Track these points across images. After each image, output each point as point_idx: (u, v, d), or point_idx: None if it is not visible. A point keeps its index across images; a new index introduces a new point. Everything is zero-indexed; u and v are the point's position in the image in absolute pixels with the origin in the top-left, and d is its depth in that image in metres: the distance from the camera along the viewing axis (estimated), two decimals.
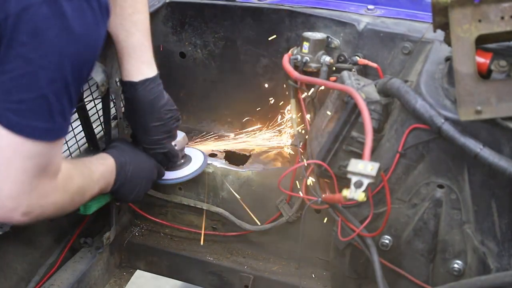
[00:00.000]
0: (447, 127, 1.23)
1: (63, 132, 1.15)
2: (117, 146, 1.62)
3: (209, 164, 1.87)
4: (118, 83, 1.66)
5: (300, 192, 1.70)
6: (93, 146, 1.88)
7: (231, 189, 1.84)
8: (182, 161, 1.81)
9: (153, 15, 1.89)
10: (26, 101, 1.06)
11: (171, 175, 1.79)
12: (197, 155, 1.87)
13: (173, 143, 1.73)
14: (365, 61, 1.63)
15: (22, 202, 1.16)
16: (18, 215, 1.17)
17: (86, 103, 1.71)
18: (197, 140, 2.03)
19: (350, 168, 1.15)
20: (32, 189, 1.16)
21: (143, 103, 1.57)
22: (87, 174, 1.42)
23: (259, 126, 2.01)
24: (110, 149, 1.60)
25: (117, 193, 1.57)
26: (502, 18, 1.14)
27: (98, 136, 1.79)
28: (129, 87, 1.56)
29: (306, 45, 1.66)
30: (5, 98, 1.06)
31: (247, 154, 1.96)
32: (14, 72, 1.04)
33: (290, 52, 1.72)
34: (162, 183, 1.80)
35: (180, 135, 1.78)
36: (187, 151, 1.85)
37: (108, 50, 1.63)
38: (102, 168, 1.49)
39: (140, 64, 1.55)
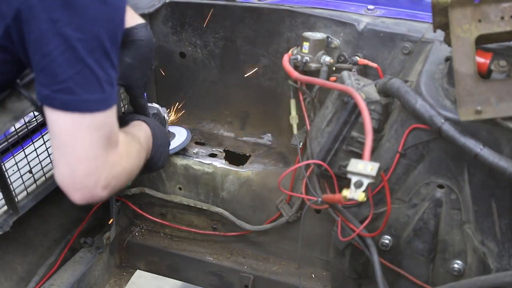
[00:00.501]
0: (447, 127, 1.23)
1: (114, 99, 1.15)
2: (141, 116, 1.62)
3: (209, 164, 1.87)
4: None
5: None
6: None
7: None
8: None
9: (153, 15, 1.89)
10: (73, 77, 1.06)
11: None
12: (181, 132, 1.93)
13: (164, 114, 1.79)
14: (365, 61, 1.63)
15: (100, 176, 1.16)
16: (100, 190, 1.17)
17: None
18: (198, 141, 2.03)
19: (350, 168, 1.15)
20: (104, 161, 1.16)
21: (149, 44, 1.55)
22: (137, 141, 1.43)
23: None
24: (136, 115, 1.60)
25: (151, 160, 1.56)
26: (502, 18, 1.14)
27: None
28: (134, 33, 1.53)
29: (306, 45, 1.66)
30: (52, 81, 1.06)
31: (247, 154, 1.96)
32: (54, 52, 1.04)
33: (290, 52, 1.72)
34: None
35: (164, 109, 1.83)
36: (171, 128, 1.91)
37: None
38: (143, 134, 1.51)
39: (133, 13, 1.55)
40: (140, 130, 1.52)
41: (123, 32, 1.17)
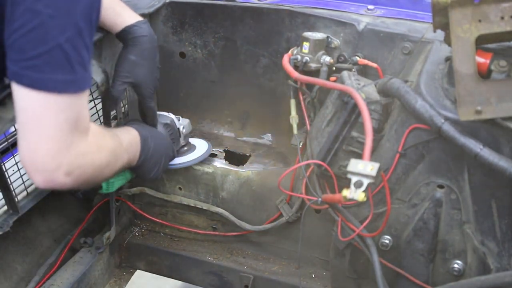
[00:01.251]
0: (447, 127, 1.23)
1: (86, 83, 1.12)
2: (136, 122, 1.61)
3: (209, 164, 1.88)
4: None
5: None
6: None
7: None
8: (186, 148, 1.86)
9: (153, 15, 1.90)
10: (42, 55, 1.04)
11: (177, 161, 1.82)
12: (201, 144, 1.92)
13: (180, 126, 1.79)
14: (365, 61, 1.63)
15: (62, 160, 1.12)
16: (61, 175, 1.14)
17: None
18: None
19: (350, 168, 1.15)
20: (68, 145, 1.12)
21: (151, 40, 1.56)
22: (116, 139, 1.40)
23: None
24: (131, 123, 1.59)
25: (140, 168, 1.55)
26: (502, 18, 1.14)
27: None
28: (135, 30, 1.53)
29: (306, 45, 1.66)
30: (20, 57, 1.04)
31: (247, 154, 1.96)
32: (24, 27, 1.02)
33: (290, 52, 1.73)
34: (172, 167, 1.81)
35: (185, 120, 1.84)
36: (192, 140, 1.91)
37: (108, 50, 1.63)
38: (129, 137, 1.48)
39: (131, 12, 1.55)
40: (126, 133, 1.49)
41: (99, 14, 1.13)
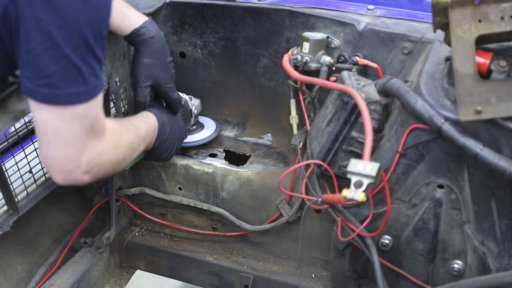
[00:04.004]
0: (447, 127, 1.23)
1: (98, 89, 1.18)
2: (155, 106, 1.66)
3: (209, 164, 1.88)
4: (118, 83, 1.66)
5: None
6: None
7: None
8: (195, 127, 1.94)
9: (153, 15, 1.89)
10: (56, 73, 1.09)
11: (188, 139, 1.90)
12: (209, 123, 2.00)
13: (192, 107, 1.86)
14: (365, 61, 1.63)
15: (80, 162, 1.21)
16: (80, 174, 1.22)
17: None
18: None
19: (350, 168, 1.15)
20: (85, 148, 1.20)
21: (160, 38, 1.60)
22: (133, 131, 1.47)
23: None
24: (150, 108, 1.64)
25: (154, 151, 1.62)
26: (502, 18, 1.14)
27: None
28: (143, 32, 1.56)
29: (306, 45, 1.66)
30: (35, 75, 1.09)
31: (247, 154, 1.96)
32: (38, 48, 1.07)
33: (290, 52, 1.72)
34: (184, 145, 1.87)
35: (197, 100, 1.91)
36: (200, 119, 1.98)
37: (108, 50, 1.63)
38: (146, 125, 1.54)
39: (135, 12, 1.59)
40: (145, 122, 1.56)
41: (108, 25, 1.19)
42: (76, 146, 1.18)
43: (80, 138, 1.18)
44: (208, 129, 1.97)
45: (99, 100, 1.19)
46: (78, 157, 1.20)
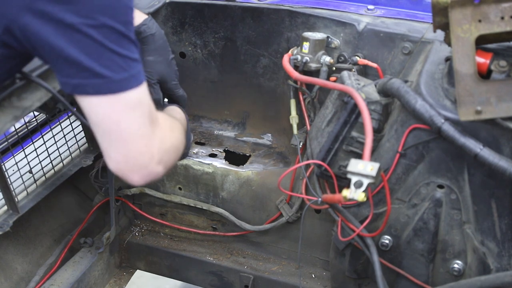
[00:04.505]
0: (447, 127, 1.23)
1: (142, 75, 1.14)
2: (173, 104, 1.63)
3: (209, 164, 1.88)
4: None
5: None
6: (93, 146, 1.89)
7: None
8: None
9: (153, 15, 1.89)
10: (97, 61, 1.05)
11: None
12: None
13: None
14: (365, 61, 1.63)
15: (152, 152, 1.15)
16: (155, 165, 1.16)
17: None
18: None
19: (350, 168, 1.15)
20: (151, 137, 1.15)
21: (161, 35, 1.58)
22: (174, 118, 1.43)
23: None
24: (171, 103, 1.61)
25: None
26: (502, 18, 1.14)
27: None
28: (144, 30, 1.55)
29: (306, 45, 1.66)
30: (77, 69, 1.05)
31: (247, 154, 1.96)
32: (70, 43, 1.04)
33: (290, 52, 1.72)
34: None
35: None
36: None
37: None
38: (179, 116, 1.52)
39: (136, 10, 1.56)
40: (176, 112, 1.53)
41: (133, 9, 1.15)
42: (143, 136, 1.13)
43: (144, 126, 1.13)
44: None
45: (145, 85, 1.15)
46: (149, 147, 1.14)
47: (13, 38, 1.06)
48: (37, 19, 1.03)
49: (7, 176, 1.56)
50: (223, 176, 1.86)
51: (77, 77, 1.06)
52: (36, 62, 1.24)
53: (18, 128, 1.68)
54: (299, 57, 1.68)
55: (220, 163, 1.88)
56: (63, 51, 1.04)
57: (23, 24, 1.03)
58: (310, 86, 1.71)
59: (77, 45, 1.04)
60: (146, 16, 1.58)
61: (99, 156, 1.85)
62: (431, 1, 1.20)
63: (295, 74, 1.63)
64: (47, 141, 1.74)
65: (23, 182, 1.66)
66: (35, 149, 1.69)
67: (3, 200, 1.60)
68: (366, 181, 1.13)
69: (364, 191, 1.13)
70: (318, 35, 1.67)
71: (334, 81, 1.61)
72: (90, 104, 1.09)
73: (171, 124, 1.32)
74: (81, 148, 1.87)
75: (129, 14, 1.13)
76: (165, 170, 1.21)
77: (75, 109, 1.27)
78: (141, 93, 1.13)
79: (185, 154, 1.62)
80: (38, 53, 1.09)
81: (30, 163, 1.68)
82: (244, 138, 2.03)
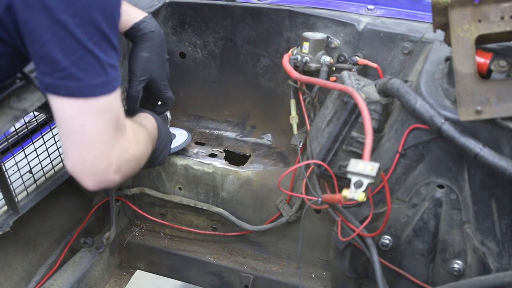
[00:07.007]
0: (447, 127, 1.23)
1: (118, 81, 1.14)
2: (146, 110, 1.63)
3: (209, 164, 1.88)
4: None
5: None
6: None
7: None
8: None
9: (153, 15, 1.89)
10: (75, 63, 1.05)
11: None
12: (181, 133, 1.95)
13: (167, 112, 1.82)
14: (365, 61, 1.63)
15: (110, 159, 1.15)
16: (112, 173, 1.17)
17: None
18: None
19: (350, 168, 1.15)
20: (113, 145, 1.15)
21: (160, 34, 1.58)
22: (143, 128, 1.44)
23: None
24: (145, 110, 1.61)
25: (154, 153, 1.55)
26: (502, 18, 1.14)
27: None
28: (144, 27, 1.55)
29: (306, 45, 1.66)
30: (54, 69, 1.05)
31: (247, 154, 1.96)
32: (52, 40, 1.03)
33: (290, 52, 1.72)
34: None
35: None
36: (171, 129, 1.91)
37: None
38: (149, 124, 1.51)
39: (135, 8, 1.57)
40: (147, 121, 1.52)
41: (120, 13, 1.15)
42: (104, 142, 1.13)
43: (108, 133, 1.14)
44: (180, 137, 1.92)
45: (119, 93, 1.15)
46: (108, 154, 1.15)
47: (4, 29, 1.06)
48: (29, 9, 1.02)
49: (7, 176, 1.56)
50: (223, 176, 1.86)
51: (51, 76, 1.06)
52: None
53: (18, 128, 1.68)
54: (299, 57, 1.68)
55: (220, 163, 1.88)
56: (44, 46, 1.04)
57: (16, 8, 1.02)
58: (310, 86, 1.72)
59: (59, 43, 1.04)
60: (146, 14, 1.58)
61: None
62: (431, 1, 1.20)
63: (295, 74, 1.63)
64: (47, 141, 1.74)
65: (23, 182, 1.66)
66: (35, 149, 1.69)
67: (3, 200, 1.60)
68: (366, 181, 1.13)
69: (364, 191, 1.13)
70: (318, 35, 1.67)
71: (334, 81, 1.61)
72: (60, 104, 1.09)
73: (137, 135, 1.32)
74: None
75: (116, 16, 1.12)
76: (121, 179, 1.21)
77: None
78: (112, 100, 1.13)
79: (160, 162, 1.63)
80: (24, 44, 1.07)
81: (30, 163, 1.68)
82: (244, 138, 2.03)
